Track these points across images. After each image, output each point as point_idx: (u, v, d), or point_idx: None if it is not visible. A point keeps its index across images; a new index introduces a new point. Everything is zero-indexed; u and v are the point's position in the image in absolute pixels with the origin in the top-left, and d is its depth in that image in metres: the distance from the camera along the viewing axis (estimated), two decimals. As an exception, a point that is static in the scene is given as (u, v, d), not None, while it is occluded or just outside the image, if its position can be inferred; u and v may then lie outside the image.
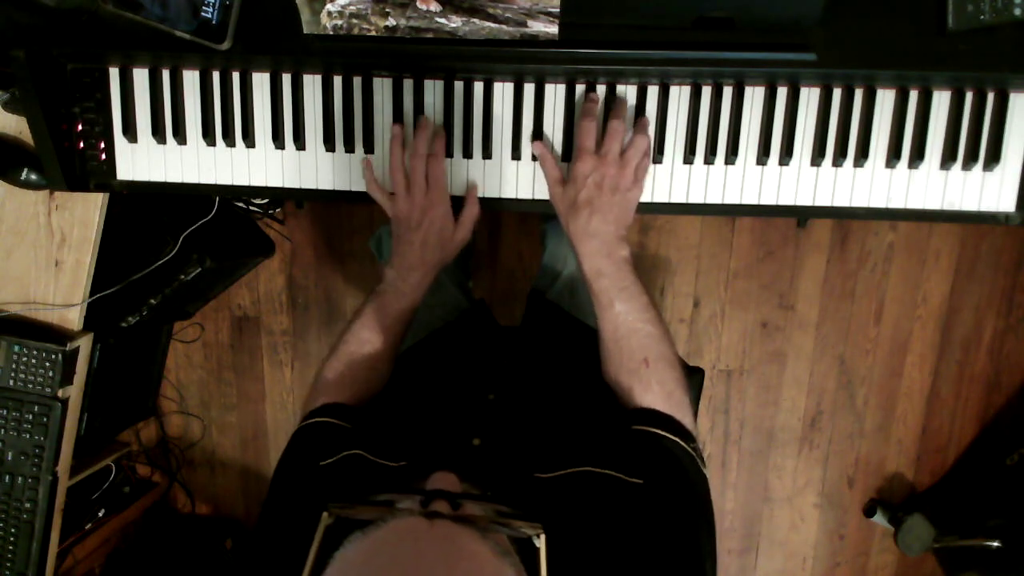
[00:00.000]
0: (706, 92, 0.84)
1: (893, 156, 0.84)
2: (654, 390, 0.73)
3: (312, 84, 0.87)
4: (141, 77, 0.87)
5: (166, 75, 0.87)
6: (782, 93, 0.83)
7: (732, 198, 0.87)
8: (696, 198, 0.87)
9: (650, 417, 0.71)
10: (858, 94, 0.83)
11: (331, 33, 0.78)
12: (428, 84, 0.86)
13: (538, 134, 0.86)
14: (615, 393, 0.77)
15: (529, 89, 0.85)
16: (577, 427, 0.74)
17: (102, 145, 0.90)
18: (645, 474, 0.62)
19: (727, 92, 0.83)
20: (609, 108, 0.83)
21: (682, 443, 0.68)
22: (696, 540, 0.59)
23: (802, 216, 1.57)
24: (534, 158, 0.86)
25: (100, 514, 1.74)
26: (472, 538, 0.42)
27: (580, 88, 0.85)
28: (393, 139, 0.85)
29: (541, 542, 0.43)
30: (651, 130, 0.85)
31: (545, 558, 0.43)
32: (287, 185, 0.90)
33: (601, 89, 0.84)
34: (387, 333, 0.85)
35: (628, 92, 0.84)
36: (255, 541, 0.65)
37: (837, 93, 0.83)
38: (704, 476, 0.67)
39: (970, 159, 0.83)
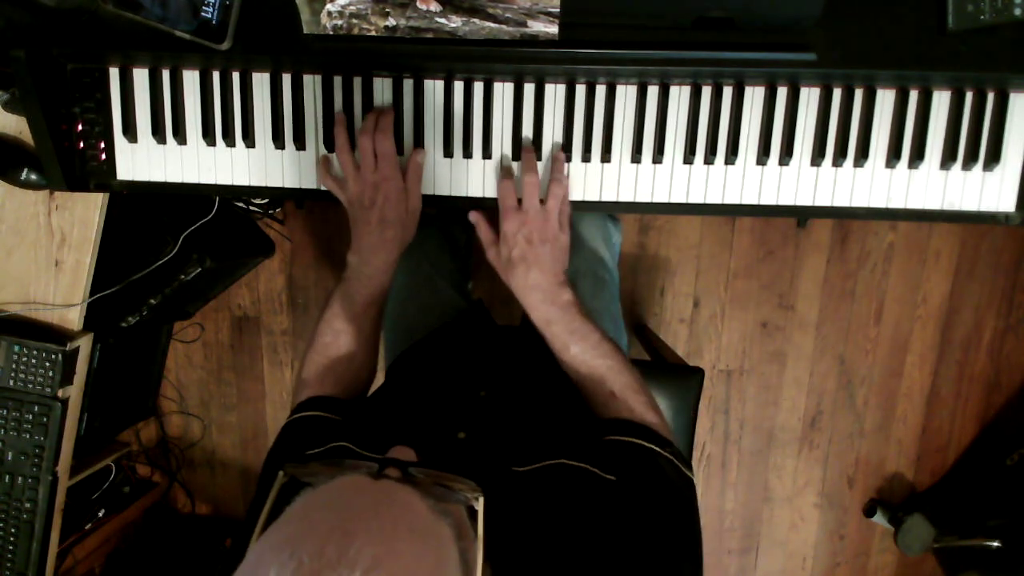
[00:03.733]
0: (706, 92, 0.84)
1: (893, 156, 0.84)
2: (624, 416, 0.74)
3: (312, 84, 0.87)
4: (141, 77, 0.87)
5: (166, 75, 0.87)
6: (782, 93, 0.83)
7: (732, 198, 0.87)
8: (696, 198, 0.87)
9: (624, 427, 0.72)
10: (858, 94, 0.83)
11: (331, 33, 0.78)
12: (428, 84, 0.86)
13: (538, 134, 0.86)
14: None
15: (529, 89, 0.85)
16: (559, 422, 0.76)
17: (102, 145, 0.90)
18: (620, 472, 0.62)
19: (727, 92, 0.83)
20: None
21: (657, 448, 0.68)
22: (671, 539, 0.59)
23: (802, 216, 1.57)
24: (536, 157, 0.86)
25: (100, 514, 1.74)
26: (409, 493, 0.44)
27: (580, 89, 0.85)
28: (336, 124, 0.84)
29: (479, 504, 0.45)
30: (651, 129, 0.85)
31: (482, 519, 0.45)
32: (287, 185, 0.90)
33: (601, 90, 0.84)
34: (359, 320, 0.85)
35: (628, 92, 0.84)
36: (244, 531, 0.64)
37: (837, 93, 0.83)
38: (688, 479, 0.67)
39: (970, 159, 0.83)
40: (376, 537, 0.38)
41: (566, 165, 0.86)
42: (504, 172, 0.85)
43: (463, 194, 0.89)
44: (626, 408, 0.74)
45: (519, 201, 0.82)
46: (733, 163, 0.85)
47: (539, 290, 0.79)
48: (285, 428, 0.78)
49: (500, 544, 0.51)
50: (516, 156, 0.87)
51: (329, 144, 0.88)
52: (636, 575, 0.54)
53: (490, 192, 0.89)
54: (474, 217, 0.87)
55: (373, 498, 0.42)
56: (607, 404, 0.75)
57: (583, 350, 0.77)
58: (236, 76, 0.87)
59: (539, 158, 0.86)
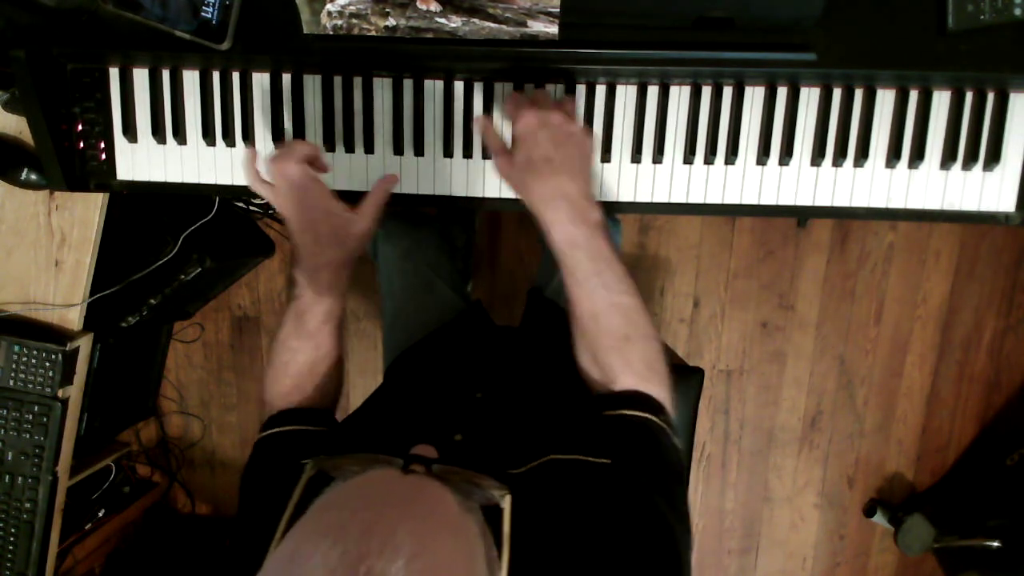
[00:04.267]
0: (706, 92, 0.84)
1: (893, 156, 0.84)
2: (635, 367, 0.68)
3: (312, 84, 0.87)
4: (141, 77, 0.87)
5: (166, 75, 0.87)
6: (782, 93, 0.83)
7: (732, 198, 0.87)
8: (696, 198, 0.87)
9: (621, 400, 0.67)
10: (858, 94, 0.83)
11: (331, 33, 0.78)
12: (428, 84, 0.86)
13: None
14: (589, 376, 0.72)
15: (529, 89, 0.85)
16: (549, 420, 0.72)
17: (102, 145, 0.90)
18: (612, 453, 0.60)
19: (727, 92, 0.83)
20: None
21: (652, 417, 0.65)
22: (663, 509, 0.57)
23: (802, 216, 1.58)
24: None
25: (100, 514, 1.73)
26: (440, 488, 0.44)
27: (580, 89, 0.85)
28: (245, 161, 0.80)
29: (506, 503, 0.45)
30: (651, 129, 0.85)
31: (509, 517, 0.45)
32: (287, 185, 0.90)
33: (601, 90, 0.84)
34: (315, 337, 0.79)
35: (628, 92, 0.84)
36: (238, 552, 0.62)
37: (837, 93, 0.83)
38: (675, 446, 0.64)
39: (970, 159, 0.83)
40: (416, 528, 0.39)
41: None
42: (514, 99, 0.76)
43: (463, 194, 0.88)
44: (638, 355, 0.67)
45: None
46: (733, 163, 0.85)
47: (567, 201, 0.68)
48: (258, 445, 0.73)
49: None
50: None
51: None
52: (636, 562, 0.54)
53: (491, 192, 0.89)
54: (480, 122, 0.78)
55: (407, 491, 0.43)
56: (616, 348, 0.68)
57: (607, 283, 0.67)
58: (236, 76, 0.87)
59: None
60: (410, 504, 0.41)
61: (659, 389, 0.68)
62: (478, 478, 0.47)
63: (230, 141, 0.88)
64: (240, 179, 0.90)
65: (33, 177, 0.99)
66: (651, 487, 0.59)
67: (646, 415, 0.65)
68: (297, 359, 0.79)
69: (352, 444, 0.68)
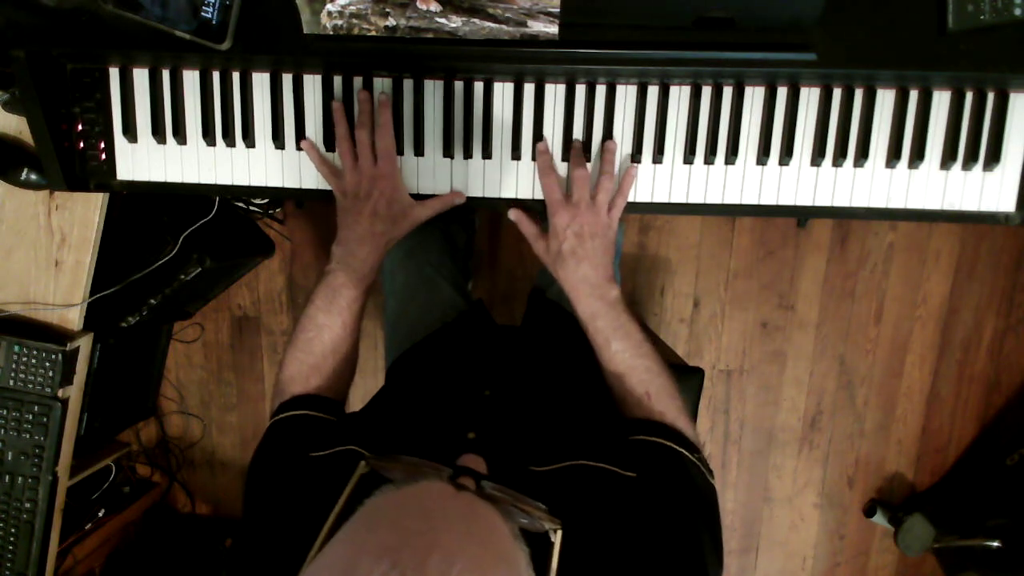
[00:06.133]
0: (706, 92, 0.84)
1: (893, 156, 0.84)
2: (658, 418, 0.74)
3: (312, 84, 0.87)
4: (141, 77, 0.87)
5: (166, 75, 0.87)
6: (782, 93, 0.83)
7: (732, 198, 0.87)
8: (696, 198, 0.87)
9: (652, 428, 0.72)
10: (858, 94, 0.83)
11: (331, 33, 0.78)
12: (428, 84, 0.86)
13: (538, 134, 0.86)
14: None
15: (529, 89, 0.85)
16: (573, 422, 0.75)
17: (102, 145, 0.90)
18: (641, 469, 0.62)
19: (727, 92, 0.83)
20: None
21: (685, 452, 0.68)
22: (694, 534, 0.58)
23: (802, 216, 1.57)
24: (535, 158, 0.86)
25: (100, 514, 1.73)
26: (493, 513, 0.45)
27: (580, 89, 0.85)
28: (335, 113, 0.85)
29: (557, 537, 0.45)
30: (651, 129, 0.85)
31: (557, 554, 0.45)
32: (287, 185, 0.90)
33: (601, 90, 0.84)
34: (344, 314, 0.83)
35: (628, 92, 0.84)
36: (246, 537, 0.63)
37: (837, 93, 0.83)
38: (712, 486, 0.67)
39: (970, 159, 0.83)
40: (475, 554, 0.39)
41: (617, 157, 0.85)
42: (541, 169, 0.84)
43: (463, 194, 0.88)
44: (659, 411, 0.74)
45: (566, 196, 0.82)
46: (733, 163, 0.85)
47: (588, 284, 0.79)
48: (272, 427, 0.76)
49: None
50: (516, 156, 0.87)
51: (329, 143, 0.88)
52: (663, 572, 0.54)
53: (490, 192, 0.89)
54: (514, 215, 0.87)
55: (461, 513, 0.43)
56: (640, 404, 0.75)
57: (625, 348, 0.77)
58: (236, 76, 0.87)
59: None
60: (466, 528, 0.41)
61: (684, 431, 0.73)
62: (529, 506, 0.47)
63: (230, 141, 0.88)
64: (240, 179, 0.90)
65: (33, 177, 0.99)
66: (682, 510, 0.60)
67: (678, 447, 0.68)
68: (323, 336, 0.83)
69: (371, 441, 0.68)
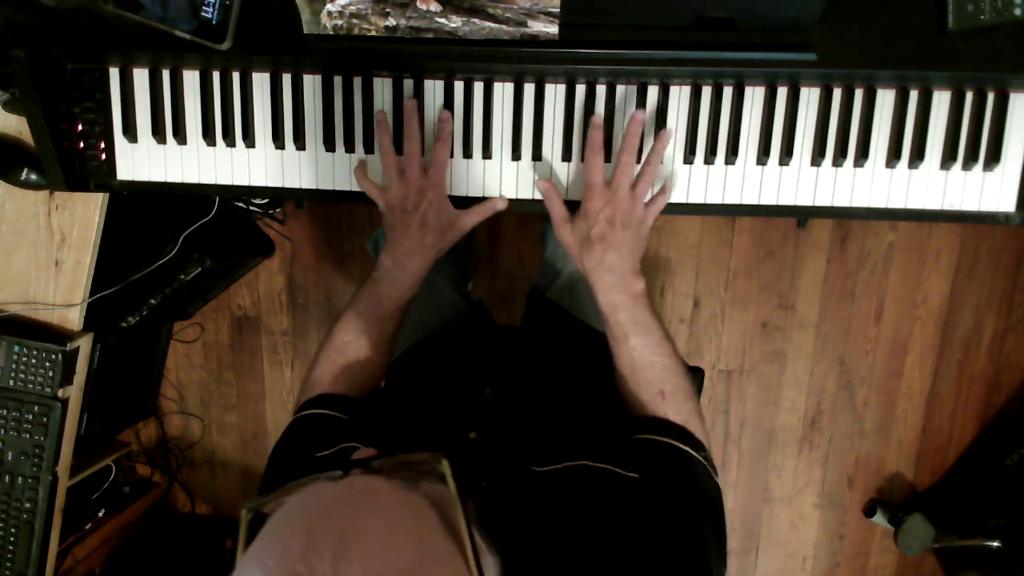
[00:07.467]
0: (706, 92, 0.84)
1: (893, 156, 0.84)
2: (671, 417, 0.73)
3: (312, 84, 0.87)
4: (141, 77, 0.87)
5: (166, 75, 0.87)
6: (782, 93, 0.83)
7: (732, 198, 0.87)
8: (696, 198, 0.87)
9: (659, 426, 0.71)
10: (858, 94, 0.83)
11: (331, 33, 0.78)
12: (428, 84, 0.86)
13: (538, 134, 0.86)
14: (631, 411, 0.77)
15: (529, 89, 0.85)
16: (574, 422, 0.75)
17: (102, 145, 0.90)
18: (644, 469, 0.61)
19: (727, 92, 0.83)
20: (614, 111, 0.83)
21: (691, 451, 0.67)
22: (698, 533, 0.58)
23: (802, 216, 1.58)
24: (535, 158, 0.86)
25: (100, 514, 1.74)
26: (371, 479, 0.43)
27: (580, 89, 0.85)
28: (379, 124, 0.84)
29: (445, 466, 0.45)
30: (651, 130, 0.85)
31: (452, 478, 0.44)
32: (287, 185, 0.90)
33: (601, 90, 0.84)
34: (383, 323, 0.84)
35: (628, 92, 0.84)
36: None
37: (837, 93, 0.83)
38: (717, 485, 0.66)
39: (970, 159, 0.83)
40: (339, 522, 0.38)
41: (668, 150, 0.83)
42: (591, 145, 0.81)
43: (463, 194, 0.88)
44: (673, 410, 0.72)
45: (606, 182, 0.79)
46: (733, 163, 0.85)
47: (613, 274, 0.77)
48: (294, 423, 0.77)
49: (517, 540, 0.50)
50: (516, 156, 0.87)
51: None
52: (666, 571, 0.54)
53: (490, 191, 0.89)
54: (544, 187, 0.83)
55: (334, 494, 0.42)
56: (653, 402, 0.73)
57: (644, 344, 0.74)
58: (236, 76, 0.87)
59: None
60: (333, 504, 0.40)
61: (693, 430, 0.71)
62: (409, 457, 0.46)
63: (230, 141, 0.88)
64: (240, 179, 0.90)
65: (33, 177, 0.99)
66: (685, 510, 0.60)
67: (684, 446, 0.67)
68: (360, 342, 0.83)
69: (372, 441, 0.68)
